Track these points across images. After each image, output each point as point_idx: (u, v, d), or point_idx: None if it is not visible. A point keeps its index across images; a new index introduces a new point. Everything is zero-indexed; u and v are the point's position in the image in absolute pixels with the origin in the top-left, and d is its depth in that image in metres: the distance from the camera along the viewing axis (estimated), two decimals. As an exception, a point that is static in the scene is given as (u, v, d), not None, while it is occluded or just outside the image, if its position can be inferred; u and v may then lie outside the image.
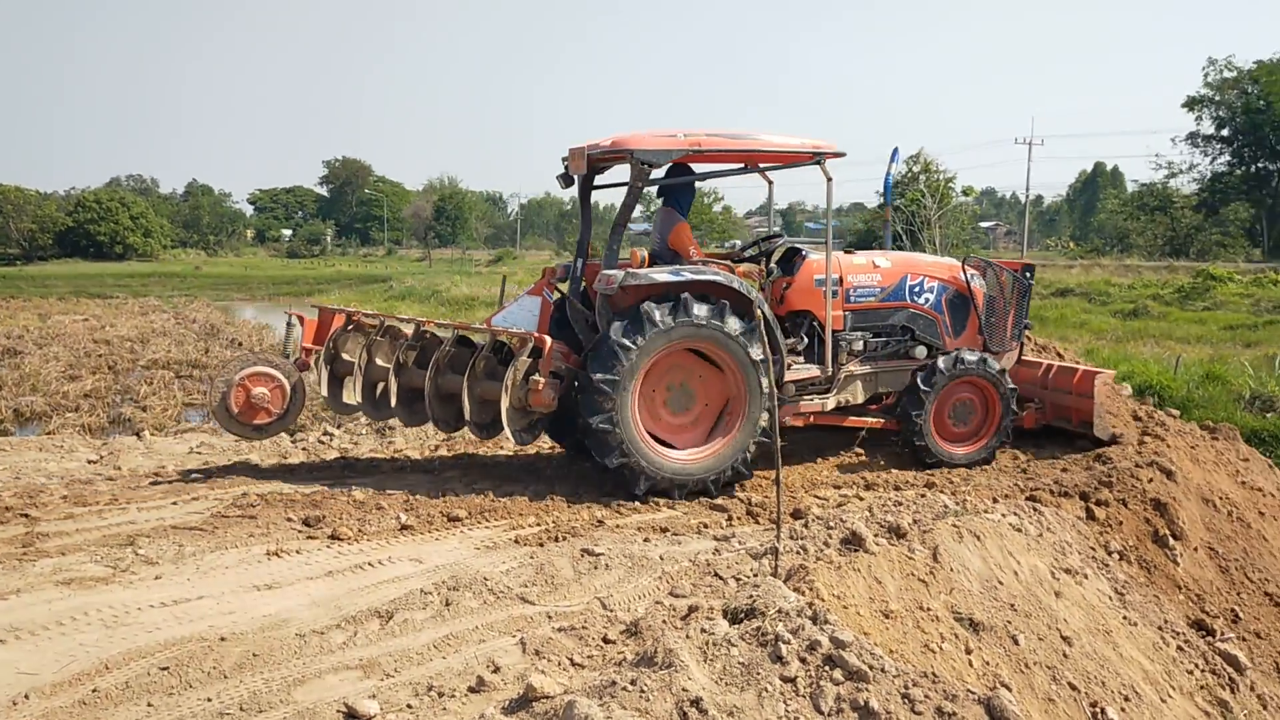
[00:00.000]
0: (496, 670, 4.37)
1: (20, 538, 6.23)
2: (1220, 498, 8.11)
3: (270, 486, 7.60)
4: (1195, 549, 7.32)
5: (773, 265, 8.66)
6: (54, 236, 74.62)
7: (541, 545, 6.30)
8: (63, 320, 29.15)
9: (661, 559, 5.98)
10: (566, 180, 8.19)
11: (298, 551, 6.11)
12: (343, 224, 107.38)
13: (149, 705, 4.07)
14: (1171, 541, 7.15)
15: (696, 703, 3.56)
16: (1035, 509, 6.67)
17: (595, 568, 5.80)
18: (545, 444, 9.59)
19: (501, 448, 9.46)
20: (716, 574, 5.62)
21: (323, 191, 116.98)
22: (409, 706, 4.07)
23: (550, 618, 5.07)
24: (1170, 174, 66.19)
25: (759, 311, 7.26)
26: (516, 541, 6.41)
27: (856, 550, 5.34)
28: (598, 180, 8.58)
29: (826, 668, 3.89)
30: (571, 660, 4.50)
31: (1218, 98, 62.13)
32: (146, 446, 9.43)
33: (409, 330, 8.04)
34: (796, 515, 6.81)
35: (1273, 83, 59.12)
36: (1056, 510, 6.82)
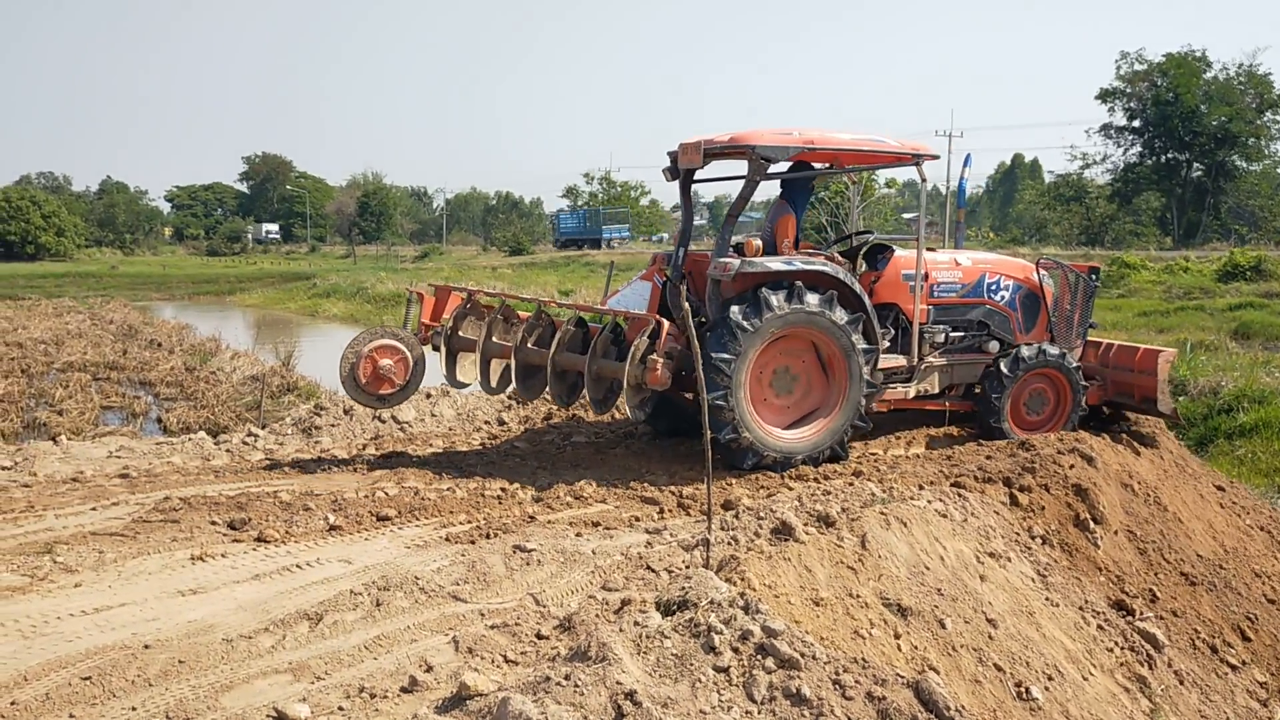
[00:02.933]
0: (429, 670, 4.34)
1: (-70, 548, 6.01)
2: (1138, 482, 8.36)
3: (194, 489, 7.44)
4: (1115, 532, 7.54)
5: (860, 261, 9.12)
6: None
7: (473, 542, 6.26)
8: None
9: (594, 553, 5.98)
10: (672, 173, 8.77)
11: (223, 555, 6.00)
12: (263, 220, 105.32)
13: (71, 716, 3.97)
14: (1092, 525, 7.34)
15: (631, 695, 3.58)
16: (960, 495, 6.80)
17: (527, 564, 5.78)
18: (481, 438, 9.54)
19: (430, 445, 9.38)
20: (649, 567, 5.65)
21: (243, 188, 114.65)
22: (340, 709, 4.02)
23: (483, 615, 5.04)
24: (1085, 165, 67.85)
25: (860, 302, 8.06)
26: (448, 539, 6.37)
27: (787, 540, 5.40)
28: (698, 174, 9.05)
29: (759, 657, 3.93)
30: (505, 657, 4.49)
31: (1129, 90, 63.81)
32: (63, 451, 9.15)
33: (528, 311, 8.58)
34: (727, 506, 6.87)
35: (1181, 75, 60.90)
36: (981, 496, 6.97)
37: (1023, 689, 5.05)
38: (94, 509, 6.98)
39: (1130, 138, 65.77)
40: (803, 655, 3.95)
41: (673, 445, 9.13)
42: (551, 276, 42.64)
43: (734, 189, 8.87)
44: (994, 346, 9.30)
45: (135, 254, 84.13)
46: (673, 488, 7.58)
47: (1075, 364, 9.36)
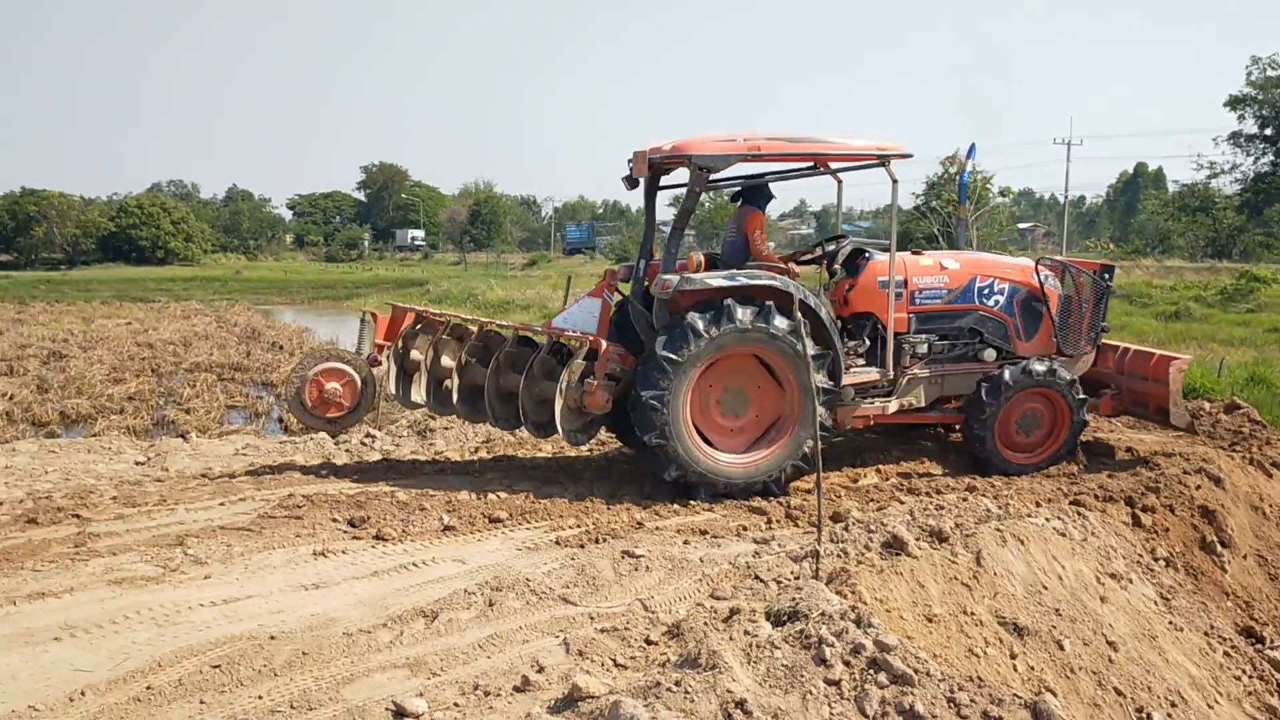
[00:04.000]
0: (541, 670, 4.41)
1: (72, 538, 6.36)
2: (1270, 505, 8.01)
3: (315, 488, 7.71)
4: (1244, 556, 7.24)
5: (836, 266, 8.67)
6: (97, 241, 75.61)
7: (582, 547, 6.35)
8: (106, 324, 29.56)
9: (701, 561, 6.00)
10: (630, 183, 8.29)
11: (343, 552, 6.20)
12: (379, 228, 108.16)
13: (201, 702, 4.15)
14: (1219, 548, 7.07)
15: (741, 704, 3.58)
16: (1080, 514, 6.62)
17: (636, 569, 5.83)
18: (583, 446, 9.64)
19: (540, 449, 9.52)
20: (757, 577, 5.64)
21: (360, 196, 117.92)
22: (456, 705, 4.12)
23: (592, 619, 5.10)
24: (1212, 174, 65.00)
25: (808, 309, 7.49)
26: (557, 543, 6.46)
27: (898, 554, 5.34)
28: (664, 181, 8.75)
29: (871, 671, 3.89)
30: (615, 661, 4.53)
31: (1261, 96, 61.02)
32: (193, 448, 9.58)
33: (474, 330, 8.26)
34: (836, 519, 6.81)
35: (1317, 81, 58.01)
36: (1102, 515, 6.77)
37: (1144, 715, 4.89)
38: (222, 504, 7.29)
39: (1261, 146, 62.83)
40: (916, 671, 3.90)
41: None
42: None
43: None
44: (990, 355, 8.55)
45: (258, 259, 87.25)
46: (781, 498, 7.55)
47: (1070, 378, 8.36)
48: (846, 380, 8.03)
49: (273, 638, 4.77)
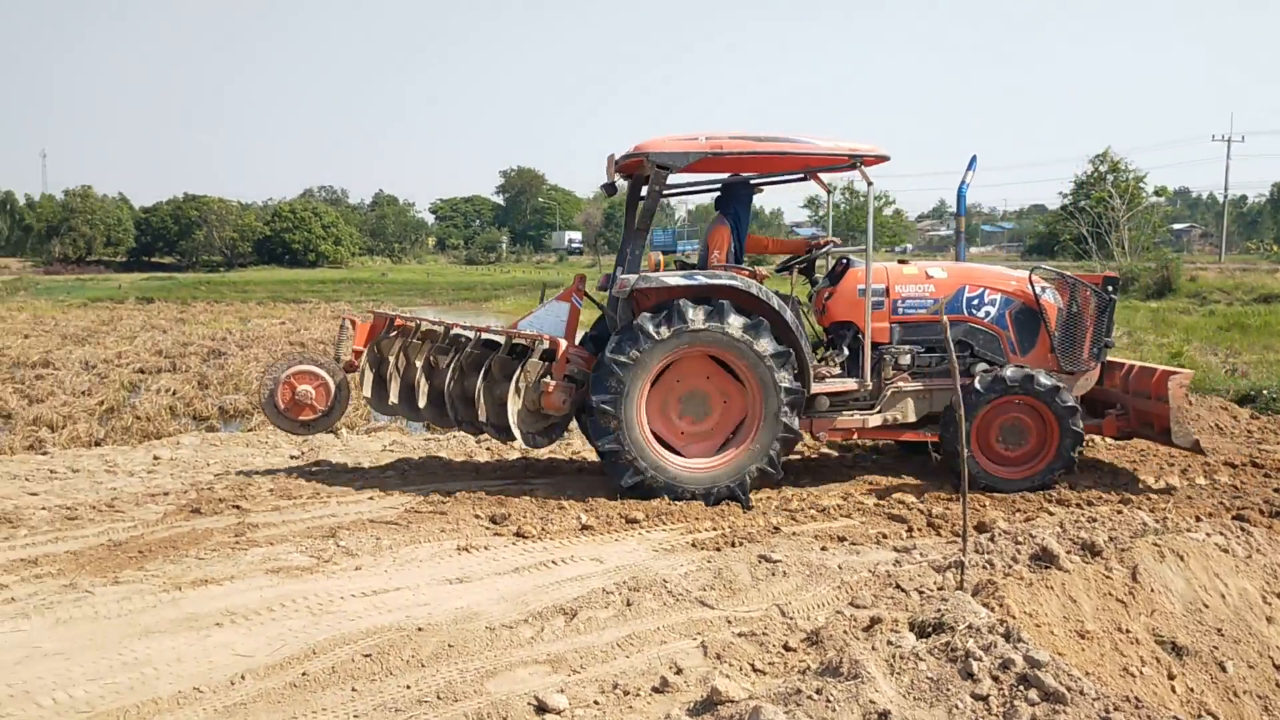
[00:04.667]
0: (679, 672, 4.42)
1: (233, 528, 6.70)
2: None
3: (458, 484, 7.93)
4: None
5: (816, 275, 8.45)
6: (253, 244, 79.45)
7: (718, 550, 6.34)
8: (262, 323, 30.94)
9: (840, 568, 5.92)
10: (609, 189, 7.99)
11: (485, 548, 6.35)
12: (517, 231, 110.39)
13: (353, 690, 4.30)
14: (1400, 569, 6.58)
15: (884, 716, 3.52)
16: (1244, 529, 6.24)
17: (773, 574, 5.79)
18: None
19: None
20: (898, 586, 5.53)
21: (499, 200, 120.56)
22: (595, 703, 4.16)
23: (730, 622, 5.09)
24: (1391, 171, 60.65)
25: (770, 310, 7.37)
26: (694, 545, 6.47)
27: (1048, 567, 5.15)
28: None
29: (1021, 687, 3.76)
30: (753, 666, 4.51)
31: None
32: (343, 444, 9.95)
33: (440, 332, 8.09)
34: (981, 529, 6.62)
35: None
36: (1268, 531, 6.39)
37: (1317, 746, 4.59)
38: (371, 498, 7.57)
39: None
40: (1069, 689, 3.75)
41: (924, 461, 8.88)
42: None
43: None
44: (981, 370, 8.06)
45: (402, 262, 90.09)
46: (922, 506, 7.38)
47: (1052, 384, 7.79)
48: (820, 388, 7.81)
49: (420, 629, 4.92)
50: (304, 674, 4.45)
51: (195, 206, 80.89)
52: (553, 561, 6.12)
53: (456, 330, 8.00)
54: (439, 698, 4.20)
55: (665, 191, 7.87)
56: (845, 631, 4.70)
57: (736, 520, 7.02)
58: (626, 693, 4.25)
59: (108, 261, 79.65)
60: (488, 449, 9.70)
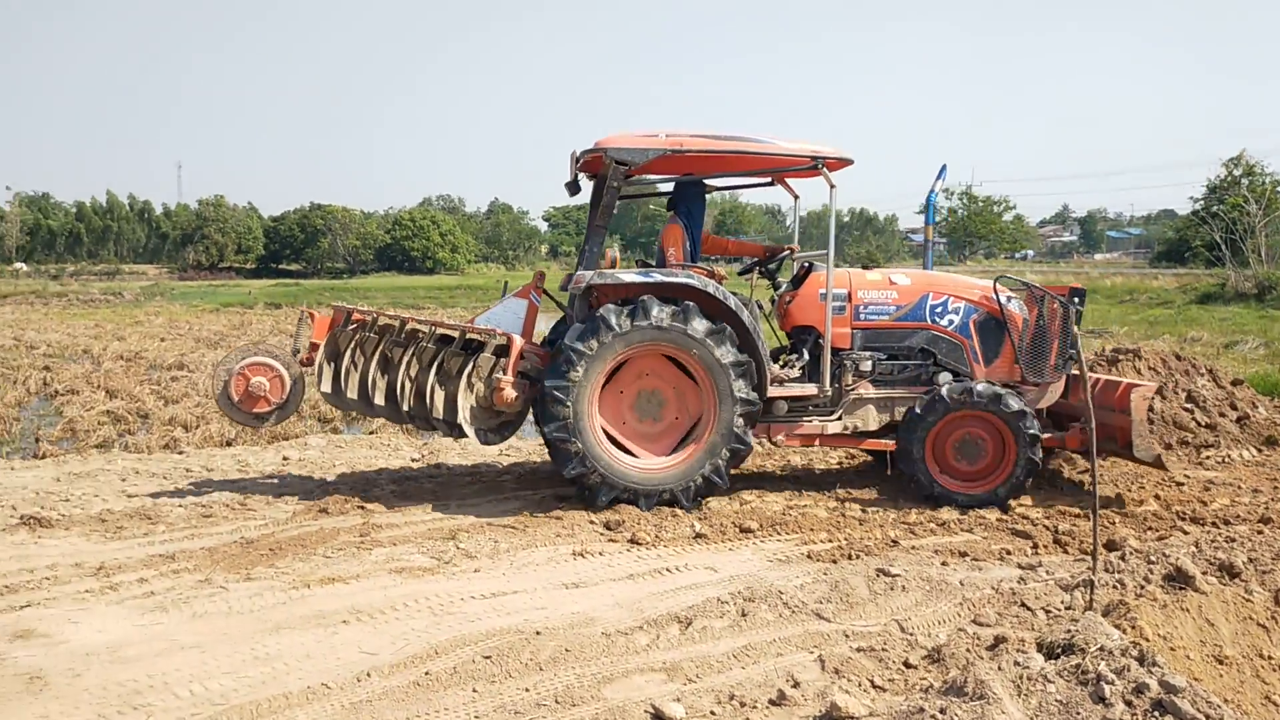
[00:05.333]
0: (796, 685, 4.37)
1: (358, 528, 6.89)
2: None
3: (573, 489, 7.98)
4: None
5: (779, 279, 8.30)
6: (374, 252, 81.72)
7: (835, 562, 6.25)
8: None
9: (962, 584, 5.78)
10: (572, 187, 7.91)
11: (600, 553, 6.40)
12: (627, 239, 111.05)
13: (474, 691, 4.38)
14: None
15: (1012, 738, 3.41)
16: (1399, 554, 5.89)
17: (891, 589, 5.68)
18: (839, 457, 9.50)
19: (790, 459, 9.46)
20: (1024, 604, 5.37)
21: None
22: (712, 713, 4.15)
23: (847, 636, 5.02)
24: None
25: (730, 314, 7.24)
26: (809, 556, 6.40)
27: (1183, 588, 4.93)
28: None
29: (1156, 714, 3.61)
30: (872, 682, 4.43)
31: None
32: (461, 447, 10.15)
33: (397, 326, 7.90)
34: (1111, 547, 6.38)
35: None
36: None
37: None
38: (489, 501, 7.71)
39: None
40: (1208, 717, 3.58)
41: (1048, 477, 8.61)
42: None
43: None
44: (945, 379, 7.88)
45: (516, 269, 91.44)
46: (1047, 522, 7.16)
47: (1018, 407, 7.59)
48: (779, 393, 7.66)
49: (538, 633, 4.98)
50: (426, 673, 4.55)
51: (320, 215, 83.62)
52: (667, 569, 6.13)
53: (413, 325, 7.86)
54: (557, 701, 4.24)
55: (627, 192, 7.77)
56: (968, 650, 4.58)
57: (853, 532, 6.92)
58: (743, 704, 4.22)
59: (238, 268, 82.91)
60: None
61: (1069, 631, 4.12)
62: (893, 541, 6.69)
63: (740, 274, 8.50)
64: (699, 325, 7.23)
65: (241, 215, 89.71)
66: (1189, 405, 9.89)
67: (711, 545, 6.68)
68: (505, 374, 7.39)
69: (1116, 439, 7.90)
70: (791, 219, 10.04)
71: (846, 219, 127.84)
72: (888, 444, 7.91)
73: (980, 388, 7.66)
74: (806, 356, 7.96)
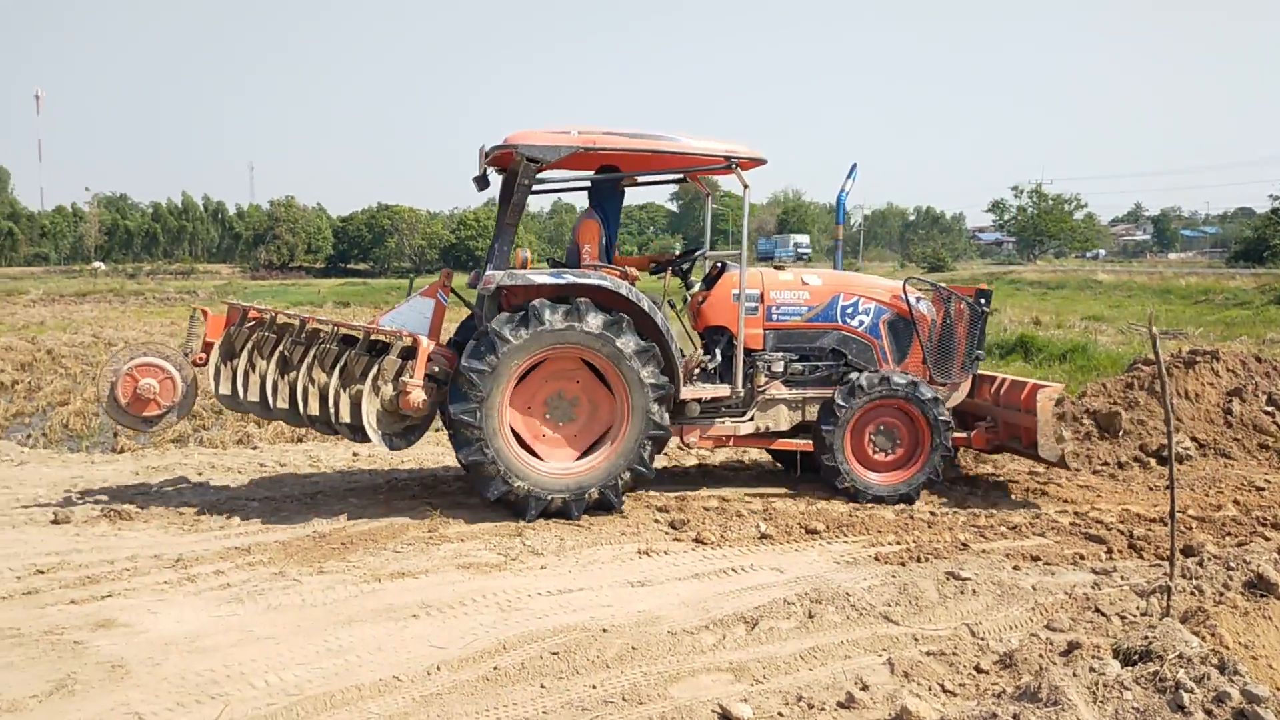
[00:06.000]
0: (865, 688, 4.33)
1: (426, 523, 6.98)
2: None
3: (636, 488, 8.01)
4: None
5: (691, 279, 8.20)
6: (439, 251, 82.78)
7: (903, 564, 6.19)
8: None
9: (1034, 589, 5.68)
10: (480, 182, 7.65)
11: (665, 552, 6.41)
12: (690, 238, 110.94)
13: (542, 686, 4.41)
14: None
15: (1088, 746, 3.35)
16: None
17: (961, 592, 5.61)
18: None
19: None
20: (1098, 610, 5.26)
21: (672, 207, 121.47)
22: (780, 715, 4.13)
23: (916, 640, 4.96)
24: None
25: (638, 311, 7.18)
26: (876, 559, 6.34)
27: (1265, 596, 4.82)
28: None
29: (1238, 724, 3.53)
30: (943, 686, 4.37)
31: None
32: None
33: (297, 326, 7.55)
34: (1188, 552, 6.23)
35: None
36: None
37: None
38: (554, 499, 7.73)
39: None
40: (1294, 730, 3.49)
41: (1127, 479, 8.44)
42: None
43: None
44: (856, 378, 7.84)
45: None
46: (1122, 526, 7.01)
47: (932, 395, 7.77)
48: (691, 393, 7.56)
49: (604, 630, 5.00)
50: (495, 668, 4.59)
51: (388, 216, 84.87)
52: (732, 569, 6.11)
53: (313, 324, 7.52)
54: (624, 699, 4.26)
55: (537, 188, 7.64)
56: (1041, 655, 4.51)
57: (922, 535, 6.84)
58: (811, 706, 4.19)
59: (308, 268, 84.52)
60: (664, 454, 9.78)
61: (1146, 638, 4.04)
62: (962, 545, 6.60)
63: (652, 273, 8.40)
64: (594, 320, 7.09)
65: (311, 215, 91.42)
66: (1270, 408, 9.62)
67: (777, 546, 6.65)
68: (412, 377, 7.15)
69: (1022, 439, 8.00)
70: (705, 219, 9.93)
71: (912, 217, 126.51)
72: (801, 444, 7.99)
73: (897, 377, 7.79)
74: (719, 357, 7.90)
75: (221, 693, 4.35)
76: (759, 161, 7.79)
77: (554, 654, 4.71)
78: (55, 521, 7.05)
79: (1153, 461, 9.01)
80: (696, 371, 7.75)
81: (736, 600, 5.54)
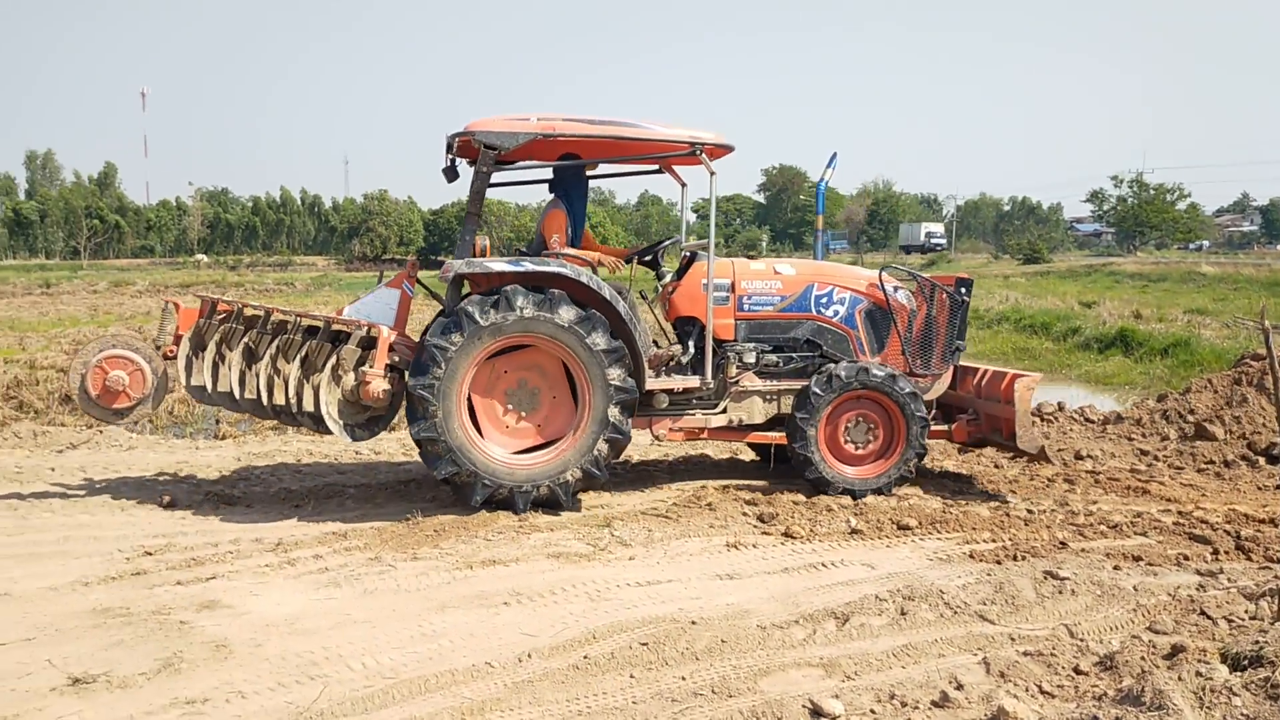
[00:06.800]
0: (960, 688, 4.26)
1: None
2: None
3: (725, 481, 8.01)
4: None
5: (663, 269, 8.00)
6: (526, 245, 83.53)
7: (999, 563, 6.06)
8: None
9: (1135, 590, 5.52)
10: (450, 173, 7.58)
11: (754, 545, 6.39)
12: (777, 230, 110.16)
13: (631, 676, 4.43)
14: None
15: (1195, 753, 3.25)
16: None
17: (1060, 592, 5.47)
18: (994, 457, 9.20)
19: (948, 458, 9.22)
20: (1203, 613, 5.09)
21: (759, 198, 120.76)
22: (872, 712, 4.08)
23: (1013, 640, 4.86)
24: None
25: (604, 303, 7.05)
26: (971, 556, 6.22)
27: (1385, 603, 4.60)
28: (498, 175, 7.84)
29: (1356, 736, 3.38)
30: (1040, 687, 4.27)
31: None
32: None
33: (262, 317, 7.52)
34: (1300, 556, 5.99)
35: None
36: None
37: None
38: (642, 491, 7.79)
39: None
40: None
41: (1233, 478, 8.14)
42: (1070, 287, 38.62)
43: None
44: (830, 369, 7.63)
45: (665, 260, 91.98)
46: (1229, 526, 6.76)
47: (910, 389, 7.58)
48: (659, 385, 7.35)
49: (693, 622, 5.01)
50: (585, 657, 4.63)
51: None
52: (822, 564, 6.06)
53: (279, 315, 7.51)
54: (714, 692, 4.26)
55: (498, 179, 7.58)
56: (1144, 658, 4.37)
57: (1018, 533, 6.69)
58: (904, 704, 4.14)
59: (400, 260, 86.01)
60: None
61: (1257, 643, 3.90)
62: (1061, 543, 6.44)
63: (626, 261, 8.22)
64: (566, 314, 7.00)
65: (403, 209, 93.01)
66: (1390, 407, 9.17)
67: (868, 541, 6.57)
68: (373, 366, 7.09)
69: (1002, 430, 7.85)
70: (679, 207, 9.72)
71: (1007, 208, 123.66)
72: (774, 436, 7.83)
73: (875, 369, 7.62)
74: (691, 348, 7.72)
75: (321, 674, 4.47)
76: (726, 149, 7.63)
77: (643, 644, 4.73)
78: (163, 505, 7.31)
79: (1261, 460, 8.68)
80: (670, 363, 7.67)
81: (827, 595, 5.50)
